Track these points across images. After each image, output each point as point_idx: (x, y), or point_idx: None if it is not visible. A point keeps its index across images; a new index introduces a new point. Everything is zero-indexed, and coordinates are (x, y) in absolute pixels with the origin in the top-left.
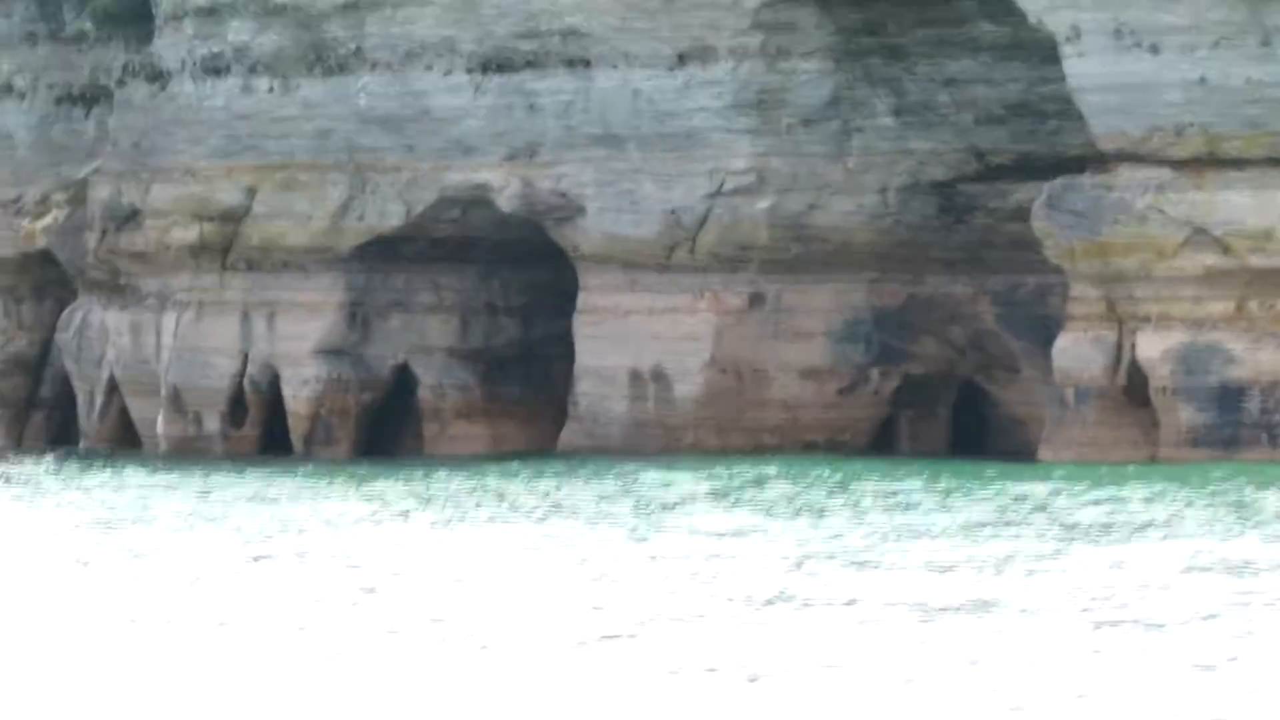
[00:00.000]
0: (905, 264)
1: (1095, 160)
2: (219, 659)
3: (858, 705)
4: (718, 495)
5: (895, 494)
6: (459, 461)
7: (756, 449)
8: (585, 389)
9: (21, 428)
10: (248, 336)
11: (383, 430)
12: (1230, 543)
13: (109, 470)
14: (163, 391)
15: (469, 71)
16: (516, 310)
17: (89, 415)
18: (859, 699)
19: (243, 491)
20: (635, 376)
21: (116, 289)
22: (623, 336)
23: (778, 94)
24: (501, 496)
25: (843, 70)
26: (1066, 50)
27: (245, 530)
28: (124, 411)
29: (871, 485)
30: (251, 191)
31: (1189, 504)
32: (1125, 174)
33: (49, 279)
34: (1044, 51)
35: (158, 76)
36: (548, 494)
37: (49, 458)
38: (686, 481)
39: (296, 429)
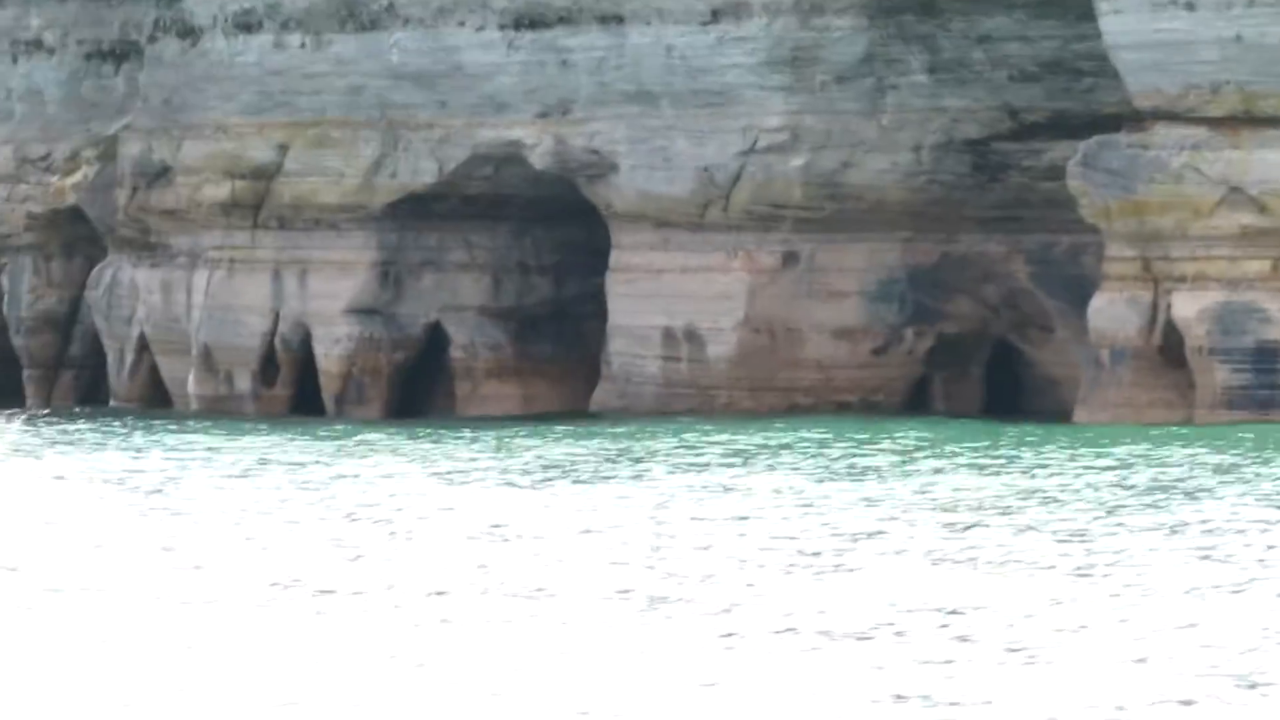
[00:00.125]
0: (939, 223)
1: (1130, 118)
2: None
3: None
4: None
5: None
6: (503, 423)
7: (790, 409)
8: (618, 348)
9: (50, 386)
10: (279, 295)
11: (414, 390)
12: None
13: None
14: (193, 350)
15: (502, 28)
16: (549, 269)
17: (119, 374)
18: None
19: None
20: (668, 336)
21: (147, 246)
22: (655, 295)
23: (811, 51)
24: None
25: (876, 27)
26: (1102, 7)
27: (339, 495)
28: (154, 370)
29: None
30: (283, 148)
31: None
32: (1161, 132)
33: (78, 236)
34: (1079, 8)
35: (189, 32)
36: (649, 455)
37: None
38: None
39: (328, 388)
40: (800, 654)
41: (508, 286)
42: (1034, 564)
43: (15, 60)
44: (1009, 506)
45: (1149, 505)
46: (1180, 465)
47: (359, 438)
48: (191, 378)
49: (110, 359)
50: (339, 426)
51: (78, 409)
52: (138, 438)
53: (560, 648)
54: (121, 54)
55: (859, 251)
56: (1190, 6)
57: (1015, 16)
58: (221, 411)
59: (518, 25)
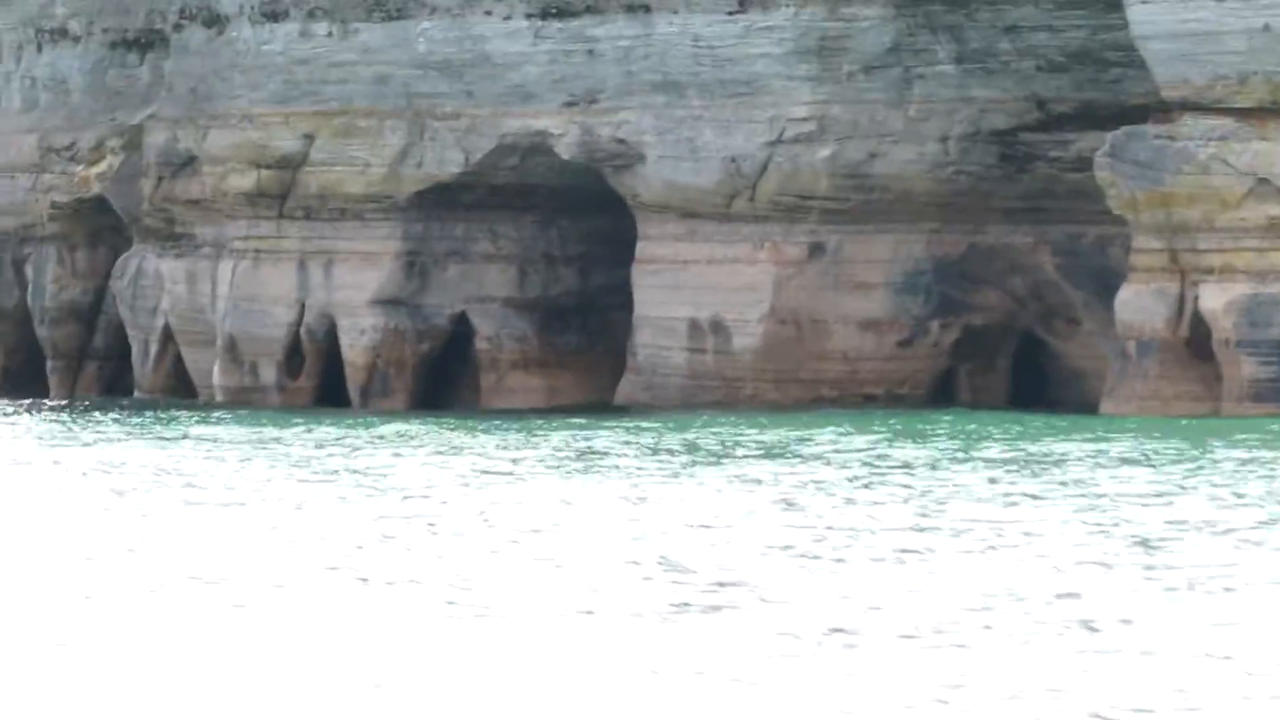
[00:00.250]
0: (965, 214)
1: (1157, 109)
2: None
3: None
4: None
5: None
6: (536, 415)
7: (815, 401)
8: (644, 340)
9: (74, 378)
10: (305, 285)
11: (439, 381)
12: None
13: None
14: (219, 341)
15: (528, 17)
16: (574, 259)
17: (143, 365)
18: None
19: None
20: (694, 327)
21: (172, 236)
22: (682, 286)
23: (839, 40)
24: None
25: (904, 17)
26: None
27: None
28: (178, 361)
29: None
30: (309, 138)
31: None
32: (1188, 123)
33: (103, 226)
34: None
35: (215, 21)
36: (721, 450)
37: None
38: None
39: (353, 380)
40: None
41: (533, 277)
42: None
43: (40, 49)
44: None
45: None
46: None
47: (399, 429)
48: (216, 369)
49: (135, 350)
50: (375, 419)
51: (99, 400)
52: (178, 429)
53: (608, 647)
54: (146, 43)
55: (885, 243)
56: None
57: (1043, 6)
58: (246, 403)
59: (545, 14)
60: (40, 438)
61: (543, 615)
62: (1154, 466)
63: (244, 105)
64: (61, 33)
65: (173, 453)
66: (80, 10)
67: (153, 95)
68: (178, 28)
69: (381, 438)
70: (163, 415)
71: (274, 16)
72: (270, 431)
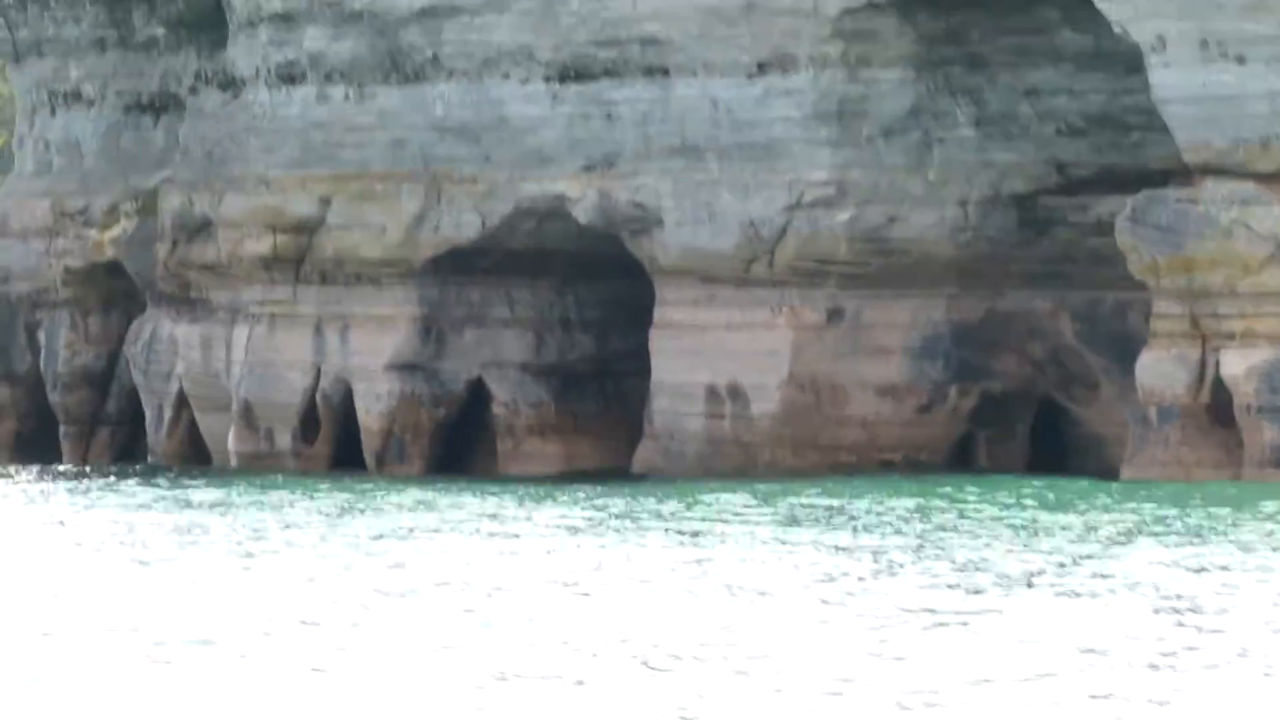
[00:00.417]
0: (984, 278)
1: (1178, 173)
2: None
3: None
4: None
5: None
6: (551, 481)
7: (834, 468)
8: (661, 405)
9: (87, 443)
10: (321, 350)
11: (455, 446)
12: None
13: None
14: (234, 406)
15: (546, 80)
16: (591, 324)
17: (157, 430)
18: None
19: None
20: (712, 393)
21: (186, 301)
22: (700, 352)
23: (858, 104)
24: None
25: (923, 80)
26: (1152, 60)
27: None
28: (193, 426)
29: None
30: (326, 202)
31: None
32: (1210, 187)
33: (116, 291)
34: (1127, 61)
35: (231, 84)
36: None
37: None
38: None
39: (369, 445)
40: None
41: (550, 343)
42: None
43: (54, 112)
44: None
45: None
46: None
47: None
48: (231, 434)
49: (149, 415)
50: (401, 485)
51: (115, 466)
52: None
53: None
54: (161, 106)
55: (904, 308)
56: (1240, 60)
57: (1063, 70)
58: (262, 469)
59: (562, 78)
60: (53, 502)
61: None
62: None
63: (260, 169)
64: (75, 96)
65: (189, 516)
66: (94, 73)
67: (167, 159)
68: (193, 91)
69: (404, 506)
70: (178, 481)
71: (290, 80)
72: (285, 495)
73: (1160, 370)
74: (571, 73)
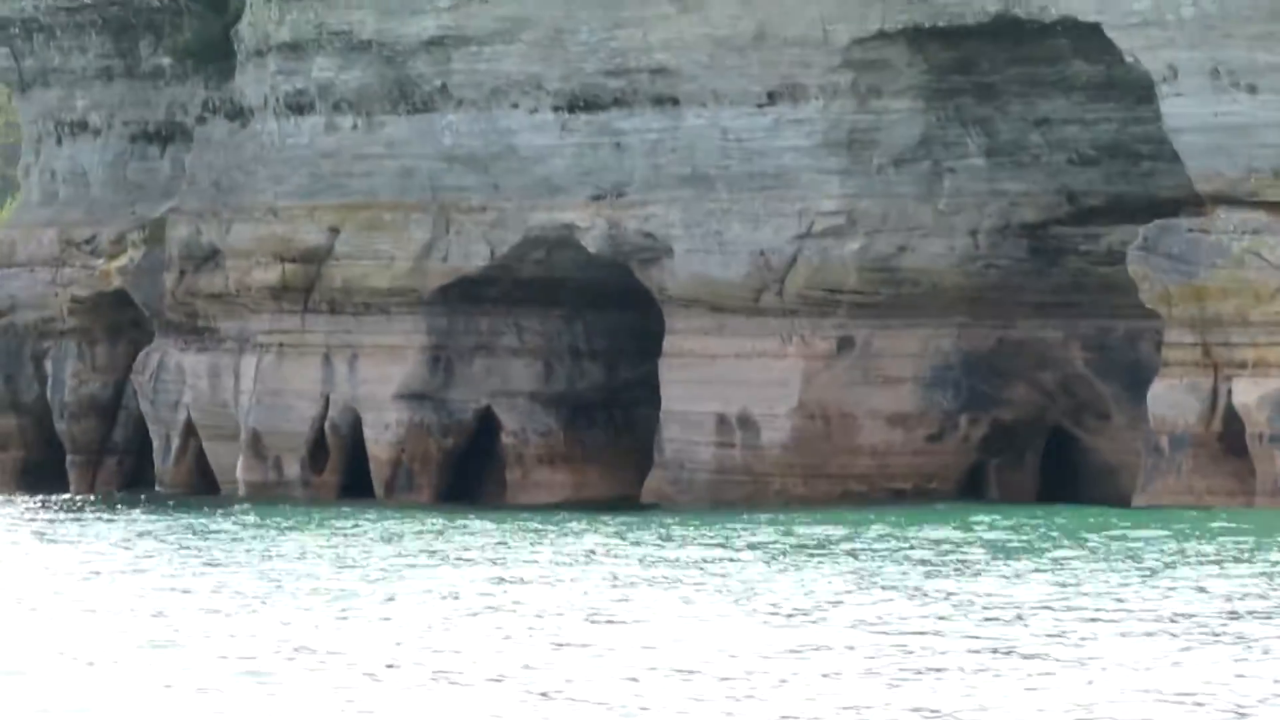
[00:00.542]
0: (995, 308)
1: (1188, 202)
2: None
3: None
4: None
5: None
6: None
7: (843, 496)
8: (671, 434)
9: (94, 472)
10: (329, 380)
11: (464, 476)
12: None
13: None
14: (242, 436)
15: (555, 110)
16: (600, 354)
17: (164, 460)
18: None
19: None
20: (722, 422)
21: (194, 330)
22: (709, 381)
23: (868, 133)
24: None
25: (934, 110)
26: (1163, 90)
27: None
28: (200, 456)
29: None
30: (334, 231)
31: None
32: (1222, 217)
33: (123, 320)
34: (1138, 91)
35: (239, 114)
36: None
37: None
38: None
39: (378, 475)
40: None
41: (559, 372)
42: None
43: (60, 142)
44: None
45: None
46: None
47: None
48: (240, 463)
49: (156, 444)
50: (402, 514)
51: (121, 494)
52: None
53: None
54: (167, 135)
55: (914, 337)
56: (1252, 89)
57: (1074, 99)
58: (270, 498)
59: (571, 107)
60: (65, 531)
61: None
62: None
63: (268, 199)
64: (82, 125)
65: (200, 546)
66: (100, 103)
67: (173, 188)
68: (201, 120)
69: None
70: (188, 511)
71: (299, 110)
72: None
73: (1172, 399)
74: (581, 102)
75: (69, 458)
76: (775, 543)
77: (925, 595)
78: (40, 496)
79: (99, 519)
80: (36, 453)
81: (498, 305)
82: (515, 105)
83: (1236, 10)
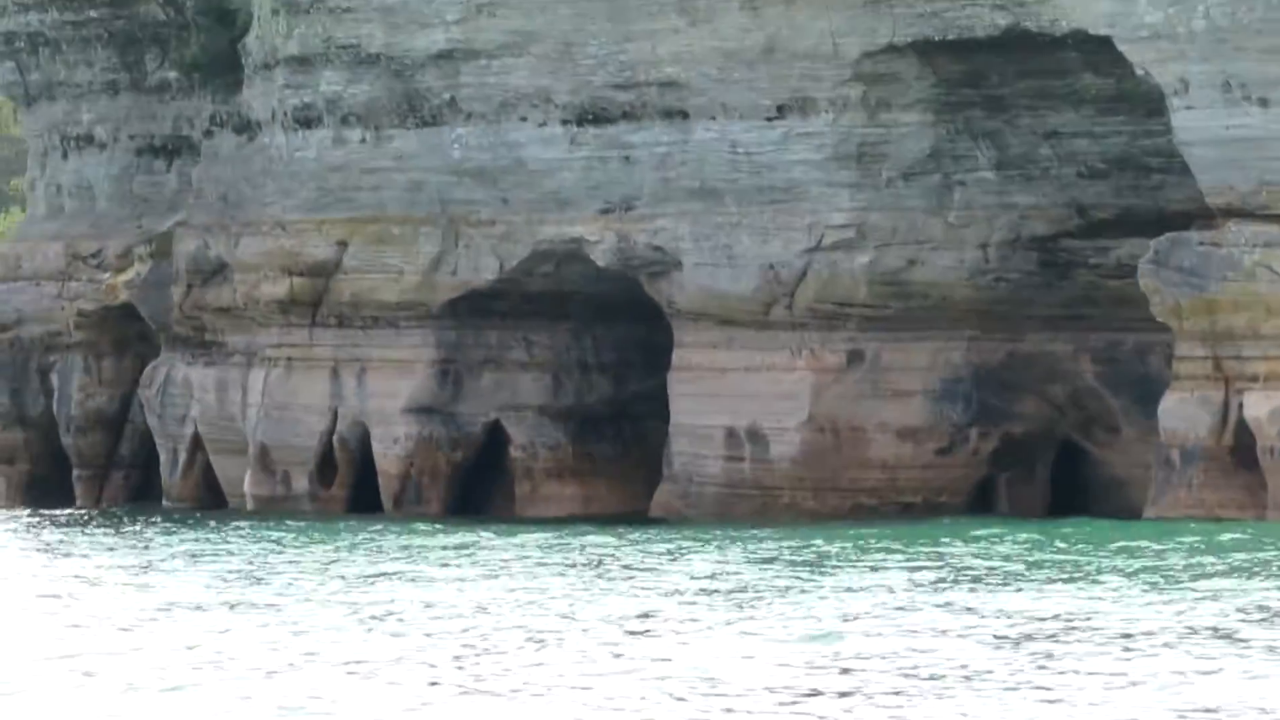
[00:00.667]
0: (1005, 321)
1: (1199, 215)
2: None
3: None
4: None
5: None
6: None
7: (853, 510)
8: (680, 448)
9: (100, 486)
10: (337, 393)
11: (473, 489)
12: None
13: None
14: (250, 450)
15: (564, 123)
16: (609, 367)
17: (171, 474)
18: None
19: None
20: (731, 435)
21: (202, 344)
22: (718, 394)
23: (878, 147)
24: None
25: (943, 123)
26: (1174, 103)
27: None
28: (208, 470)
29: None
30: (343, 245)
31: None
32: (1233, 230)
33: (130, 334)
34: (1148, 104)
35: (246, 127)
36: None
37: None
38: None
39: (386, 488)
40: None
41: (568, 386)
42: None
43: (66, 155)
44: None
45: None
46: None
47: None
48: (248, 478)
49: (163, 458)
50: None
51: (125, 508)
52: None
53: None
54: (173, 149)
55: (924, 350)
56: (1263, 103)
57: (1083, 113)
58: (278, 512)
59: (580, 121)
60: (80, 545)
61: None
62: None
63: (276, 212)
64: (87, 139)
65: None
66: (106, 117)
67: (179, 202)
68: (208, 134)
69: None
70: (199, 525)
71: (307, 123)
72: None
73: (1183, 413)
74: (590, 115)
75: (75, 472)
76: (787, 556)
77: (951, 609)
78: (44, 510)
79: (107, 532)
80: (42, 467)
81: (506, 319)
82: (524, 118)
83: (1248, 23)
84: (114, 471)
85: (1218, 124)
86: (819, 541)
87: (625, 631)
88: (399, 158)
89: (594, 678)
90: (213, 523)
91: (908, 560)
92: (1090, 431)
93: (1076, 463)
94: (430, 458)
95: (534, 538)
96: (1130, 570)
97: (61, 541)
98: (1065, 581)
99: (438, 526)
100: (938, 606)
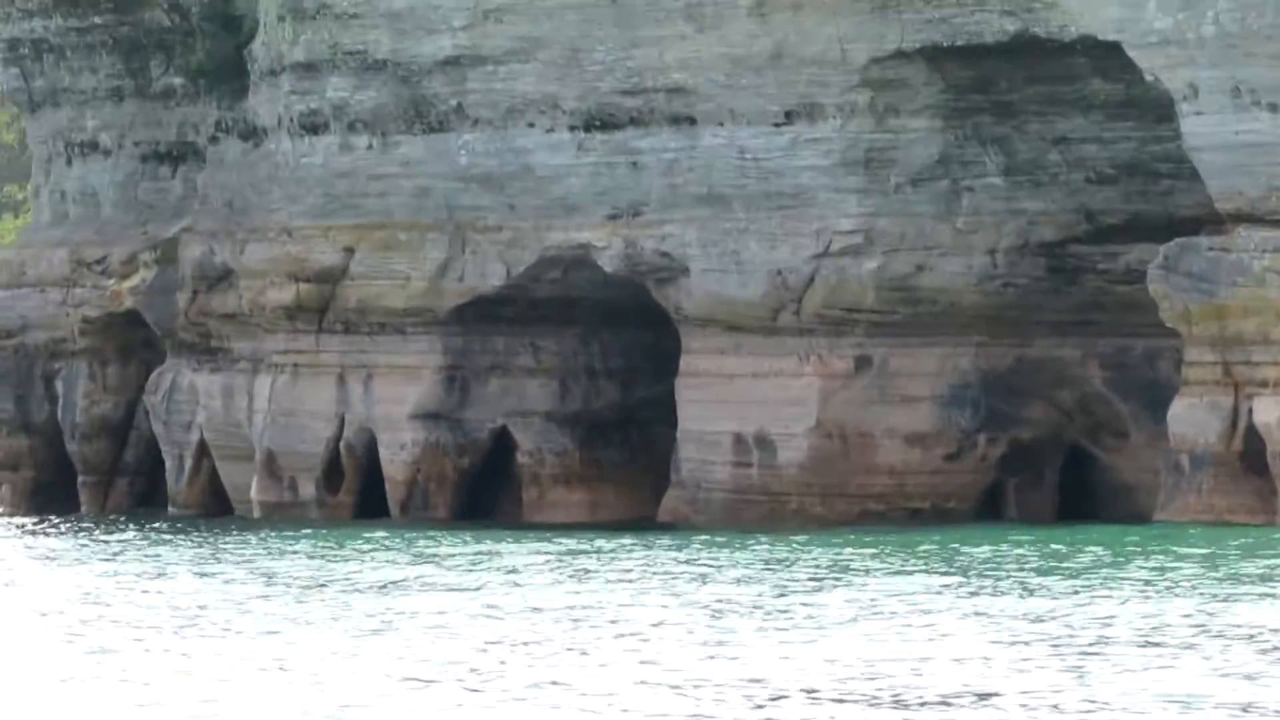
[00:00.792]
0: (1013, 326)
1: (1209, 221)
2: None
3: None
4: None
5: None
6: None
7: (861, 516)
8: (687, 454)
9: (105, 493)
10: (344, 400)
11: (480, 496)
12: None
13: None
14: (257, 456)
15: (571, 129)
16: (616, 373)
17: (177, 480)
18: None
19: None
20: (739, 441)
21: (207, 351)
22: (726, 400)
23: (886, 152)
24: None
25: (952, 129)
26: (1184, 109)
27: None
28: (213, 476)
29: None
30: (349, 251)
31: None
32: (1243, 235)
33: (135, 340)
34: (1157, 110)
35: (252, 134)
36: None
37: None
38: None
39: (393, 495)
40: None
41: (575, 391)
42: None
43: (70, 162)
44: None
45: None
46: None
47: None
48: (254, 484)
49: (169, 465)
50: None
51: (128, 515)
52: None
53: None
54: (179, 155)
55: (932, 356)
56: (1273, 108)
57: (1092, 118)
58: (284, 519)
59: (588, 127)
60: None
61: None
62: None
63: (283, 218)
64: (92, 145)
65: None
66: (111, 123)
67: (184, 208)
68: (213, 140)
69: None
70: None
71: (313, 129)
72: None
73: (1192, 418)
74: (597, 121)
75: (80, 478)
76: (798, 562)
77: (973, 616)
78: (49, 517)
79: (113, 539)
80: (47, 474)
81: (514, 325)
82: (531, 125)
83: (1258, 29)
84: (119, 478)
85: (1227, 129)
86: (827, 546)
87: (639, 639)
88: (406, 164)
89: (603, 682)
90: (218, 529)
91: (922, 564)
92: (1099, 437)
93: (1085, 468)
94: (437, 464)
95: (541, 544)
96: (1141, 576)
97: (65, 549)
98: (1077, 587)
99: (444, 533)
100: (949, 611)
